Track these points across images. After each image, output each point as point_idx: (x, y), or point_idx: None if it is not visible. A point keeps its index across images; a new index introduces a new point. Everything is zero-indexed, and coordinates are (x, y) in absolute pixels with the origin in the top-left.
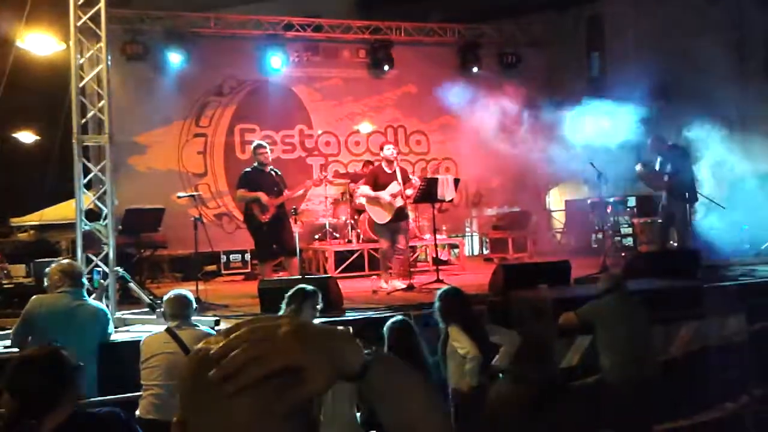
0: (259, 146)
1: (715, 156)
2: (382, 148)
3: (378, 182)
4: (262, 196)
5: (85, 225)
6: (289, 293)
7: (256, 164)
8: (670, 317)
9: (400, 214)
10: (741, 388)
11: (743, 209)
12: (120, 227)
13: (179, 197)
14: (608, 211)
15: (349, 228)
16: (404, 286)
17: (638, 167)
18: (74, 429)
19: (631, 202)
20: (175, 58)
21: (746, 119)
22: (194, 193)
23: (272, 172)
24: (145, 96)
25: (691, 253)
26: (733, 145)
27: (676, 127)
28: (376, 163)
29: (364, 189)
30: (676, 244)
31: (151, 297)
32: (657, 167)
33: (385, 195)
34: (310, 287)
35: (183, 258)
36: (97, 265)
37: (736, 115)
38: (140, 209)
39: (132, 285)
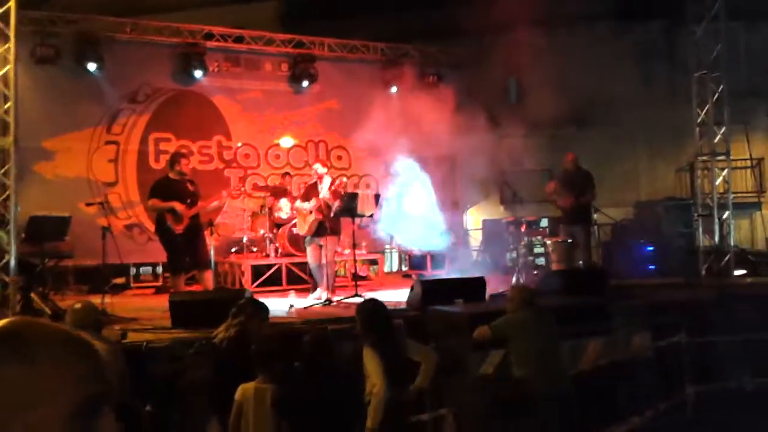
0: (181, 156)
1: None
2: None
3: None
4: (177, 206)
5: None
6: (238, 303)
7: (171, 173)
8: (578, 332)
9: (319, 229)
10: (646, 402)
11: (648, 231)
12: (23, 235)
13: (87, 205)
14: (522, 230)
15: (268, 242)
16: (321, 301)
17: (552, 184)
18: None
19: (544, 222)
20: (87, 64)
21: (652, 144)
22: (102, 201)
23: (188, 183)
24: (55, 100)
25: (598, 272)
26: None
27: (587, 152)
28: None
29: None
30: (582, 264)
31: (55, 308)
32: (563, 185)
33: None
34: (260, 301)
35: (90, 269)
36: None
37: (644, 139)
38: (45, 217)
39: (33, 295)
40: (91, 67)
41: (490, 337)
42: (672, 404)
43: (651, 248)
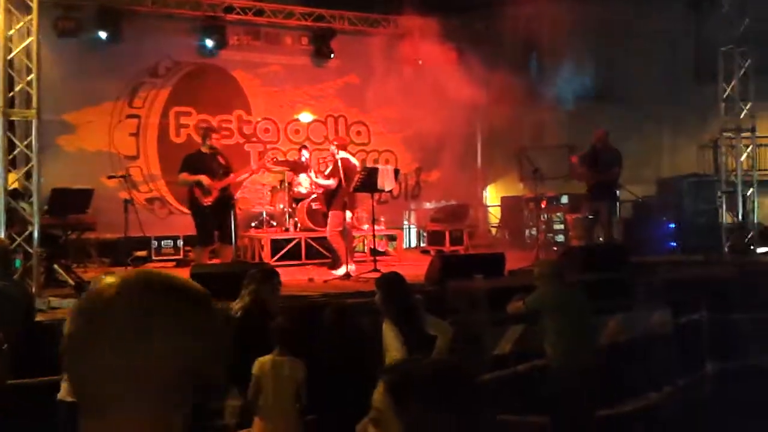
0: (212, 130)
1: (644, 155)
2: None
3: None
4: (204, 179)
5: (9, 203)
6: (249, 272)
7: (203, 147)
8: (598, 309)
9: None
10: (665, 379)
11: (669, 208)
12: (46, 207)
13: (109, 178)
14: (542, 207)
15: (287, 216)
16: (341, 275)
17: (574, 159)
18: None
19: (564, 199)
20: (108, 37)
21: (676, 120)
22: (124, 175)
23: (219, 156)
24: (76, 74)
25: (618, 248)
26: (662, 144)
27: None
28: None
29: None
30: (602, 240)
31: (78, 280)
32: (590, 161)
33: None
34: (269, 267)
35: (112, 242)
36: (20, 245)
37: (666, 115)
38: (68, 189)
39: (56, 266)
40: (112, 40)
41: (523, 312)
42: (691, 381)
43: (673, 225)
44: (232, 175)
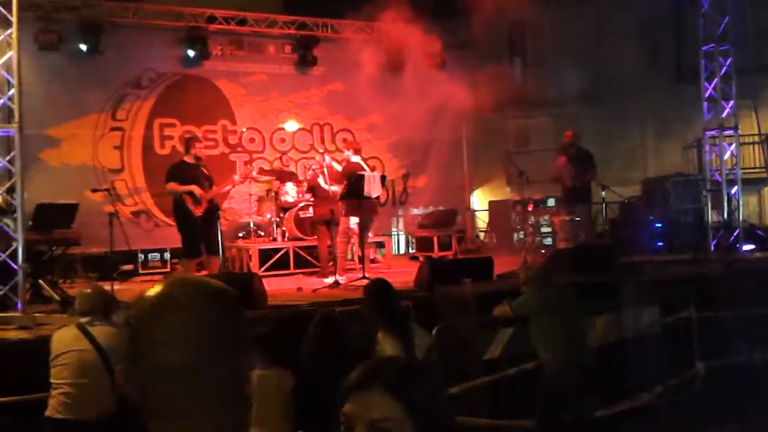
0: (196, 140)
1: (629, 156)
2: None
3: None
4: (196, 189)
5: None
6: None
7: (186, 157)
8: (587, 309)
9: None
10: (656, 378)
11: (655, 207)
12: (30, 223)
13: (94, 192)
14: (529, 210)
15: (275, 226)
16: (330, 283)
17: (563, 158)
18: None
19: (551, 202)
20: (91, 49)
21: (660, 120)
22: (109, 188)
23: (203, 167)
24: (58, 87)
25: (606, 249)
26: (647, 145)
27: (593, 130)
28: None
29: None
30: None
31: (64, 296)
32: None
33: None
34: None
35: (98, 257)
36: (4, 262)
37: (650, 116)
38: (52, 204)
39: (41, 282)
40: (94, 52)
41: (510, 315)
42: (682, 380)
43: (659, 225)
44: (214, 187)
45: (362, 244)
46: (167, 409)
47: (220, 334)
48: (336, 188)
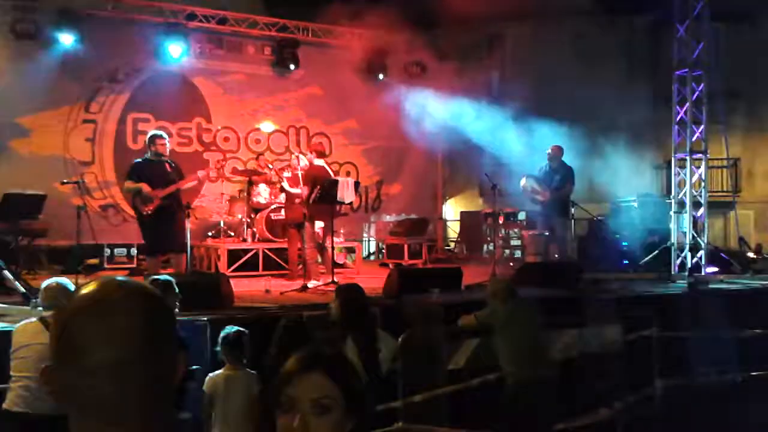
0: (158, 136)
1: (600, 174)
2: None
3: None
4: (144, 187)
5: None
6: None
7: (148, 155)
8: (551, 324)
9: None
10: (616, 395)
11: (623, 226)
12: None
13: (63, 184)
14: (500, 222)
15: (245, 226)
16: (298, 287)
17: (523, 180)
18: None
19: (522, 215)
20: (67, 40)
21: (633, 140)
22: (78, 181)
23: (167, 164)
24: (32, 77)
25: (573, 265)
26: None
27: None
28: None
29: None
30: (557, 257)
31: (27, 287)
32: (543, 178)
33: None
34: (165, 278)
35: (63, 249)
36: None
37: (624, 136)
38: (19, 194)
39: (6, 273)
40: (71, 44)
41: (475, 326)
42: (640, 397)
43: (625, 243)
44: (175, 183)
45: (327, 249)
46: (94, 409)
47: (151, 335)
48: (298, 191)
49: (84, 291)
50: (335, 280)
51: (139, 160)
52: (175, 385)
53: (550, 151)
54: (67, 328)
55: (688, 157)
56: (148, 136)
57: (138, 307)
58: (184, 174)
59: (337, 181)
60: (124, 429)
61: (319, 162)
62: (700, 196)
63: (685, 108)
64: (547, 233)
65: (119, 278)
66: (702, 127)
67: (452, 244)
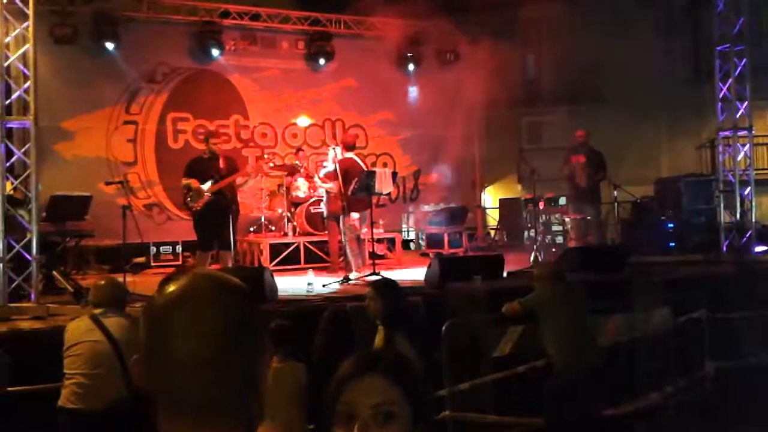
0: (211, 135)
1: (642, 156)
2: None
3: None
4: (193, 183)
5: (8, 210)
6: None
7: (205, 153)
8: (598, 309)
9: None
10: (666, 379)
11: (668, 208)
12: (44, 214)
13: (107, 184)
14: (540, 208)
15: (286, 221)
16: (340, 279)
17: (582, 158)
18: None
19: (562, 200)
20: (105, 43)
21: (674, 120)
22: (122, 181)
23: (221, 160)
24: (73, 80)
25: (618, 248)
26: (660, 145)
27: (606, 129)
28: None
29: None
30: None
31: (76, 287)
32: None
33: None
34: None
35: (110, 249)
36: (18, 253)
37: (664, 116)
38: (66, 196)
39: (55, 273)
40: (109, 46)
41: (519, 312)
42: (691, 380)
43: (671, 225)
44: (225, 179)
45: (363, 240)
46: (183, 402)
47: (239, 329)
48: (329, 185)
49: (174, 284)
50: (377, 271)
51: (195, 157)
52: (262, 381)
53: (578, 135)
54: (156, 321)
55: (732, 135)
56: (203, 134)
57: (223, 300)
58: (238, 170)
59: (374, 173)
60: (213, 423)
61: (349, 154)
62: (747, 174)
63: (728, 84)
64: (588, 217)
65: (210, 271)
66: (746, 103)
67: (492, 232)
